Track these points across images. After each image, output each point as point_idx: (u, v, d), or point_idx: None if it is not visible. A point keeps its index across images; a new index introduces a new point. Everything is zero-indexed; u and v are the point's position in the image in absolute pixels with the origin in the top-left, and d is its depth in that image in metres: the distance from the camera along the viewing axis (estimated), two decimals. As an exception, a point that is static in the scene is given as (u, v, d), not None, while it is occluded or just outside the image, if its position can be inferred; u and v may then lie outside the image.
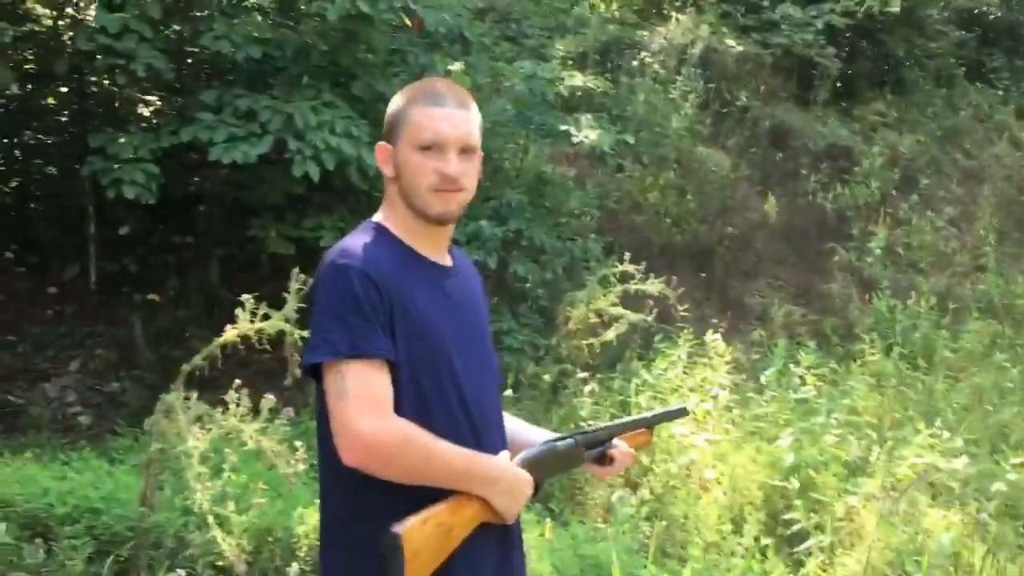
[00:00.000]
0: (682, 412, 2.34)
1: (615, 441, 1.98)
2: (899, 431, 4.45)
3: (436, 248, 1.82)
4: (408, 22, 5.74)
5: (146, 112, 6.53)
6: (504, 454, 1.77)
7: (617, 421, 2.09)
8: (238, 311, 2.92)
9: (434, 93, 1.77)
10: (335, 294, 1.66)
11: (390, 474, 1.63)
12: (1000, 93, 11.34)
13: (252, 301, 2.86)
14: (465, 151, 1.76)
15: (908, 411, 4.72)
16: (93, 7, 6.08)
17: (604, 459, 1.96)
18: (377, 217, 1.82)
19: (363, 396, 1.61)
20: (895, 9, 9.88)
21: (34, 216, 6.49)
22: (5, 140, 6.48)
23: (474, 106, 1.82)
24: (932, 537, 3.44)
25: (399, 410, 1.65)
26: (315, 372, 1.68)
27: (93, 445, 4.93)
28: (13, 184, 6.90)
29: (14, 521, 3.57)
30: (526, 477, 1.75)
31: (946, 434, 3.93)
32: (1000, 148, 10.46)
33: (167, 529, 3.33)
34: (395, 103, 1.81)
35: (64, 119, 6.59)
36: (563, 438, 1.90)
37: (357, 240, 1.74)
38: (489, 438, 1.77)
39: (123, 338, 5.91)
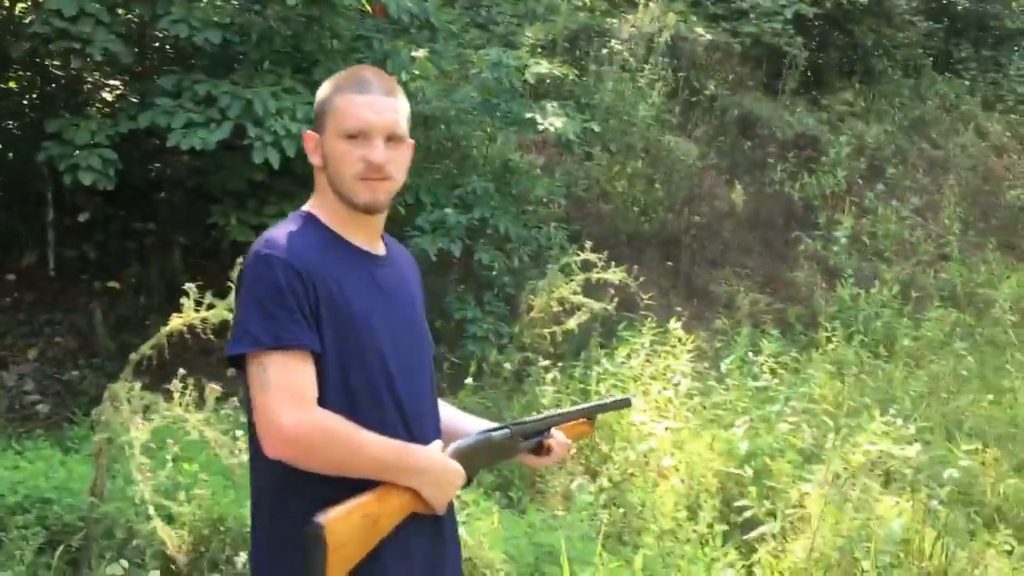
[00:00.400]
0: (624, 403, 2.35)
1: (553, 431, 1.97)
2: (855, 418, 4.49)
3: (367, 237, 1.81)
4: (368, 8, 5.68)
5: (109, 97, 6.44)
6: (436, 444, 1.76)
7: (555, 411, 2.09)
8: (183, 300, 2.88)
9: (359, 81, 1.76)
10: (258, 285, 1.64)
11: (313, 466, 1.62)
12: (967, 83, 11.46)
13: (195, 290, 2.82)
14: (392, 139, 1.75)
15: (865, 398, 4.76)
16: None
17: (541, 449, 1.96)
18: (307, 206, 1.81)
19: (284, 388, 1.60)
20: (863, -1, 9.94)
21: (-8, 202, 6.39)
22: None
23: (401, 94, 1.81)
24: (883, 523, 3.47)
25: (325, 401, 1.64)
26: (238, 363, 1.66)
27: (49, 434, 4.88)
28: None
29: (-37, 511, 3.52)
30: (456, 468, 1.75)
31: (900, 421, 3.96)
32: (966, 138, 10.57)
33: (117, 520, 3.30)
34: (322, 92, 1.79)
35: (24, 103, 6.49)
36: (497, 428, 1.89)
37: (283, 230, 1.72)
38: (421, 428, 1.76)
39: (83, 326, 5.84)
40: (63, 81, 6.10)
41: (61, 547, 3.39)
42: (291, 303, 1.62)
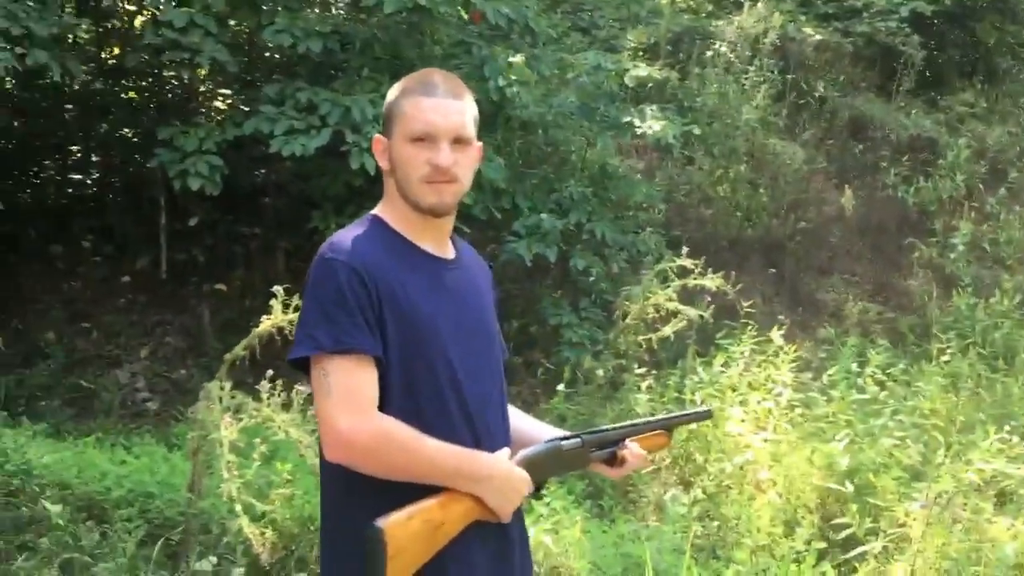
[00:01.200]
0: (704, 415, 2.27)
1: (628, 443, 1.91)
2: (968, 435, 4.25)
3: (435, 240, 1.79)
4: (465, 15, 5.71)
5: (221, 106, 6.67)
6: (504, 452, 1.72)
7: (632, 422, 2.01)
8: (272, 302, 2.93)
9: (426, 84, 1.75)
10: (320, 289, 1.64)
11: (373, 470, 1.61)
12: (1098, 82, 10.78)
13: (283, 292, 2.86)
14: (458, 141, 1.73)
15: (980, 414, 4.50)
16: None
17: (614, 460, 1.90)
18: (376, 210, 1.80)
19: (345, 393, 1.59)
20: (986, -5, 9.47)
21: (110, 207, 6.69)
22: (80, 133, 6.70)
23: (469, 96, 1.79)
24: (997, 546, 3.26)
25: (390, 405, 1.63)
26: (303, 366, 1.67)
27: (156, 430, 5.06)
28: (94, 175, 7.14)
29: (70, 503, 3.67)
30: (521, 475, 1.70)
31: (1016, 439, 3.72)
32: (1097, 140, 9.94)
33: (212, 516, 3.38)
34: (390, 95, 1.79)
35: (139, 113, 6.78)
36: (568, 437, 1.84)
37: (349, 233, 1.73)
38: (488, 433, 1.73)
39: (191, 327, 6.05)
40: (177, 91, 6.34)
41: (161, 540, 3.50)
42: (353, 307, 1.62)
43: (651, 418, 2.10)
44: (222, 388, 2.86)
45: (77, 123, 6.69)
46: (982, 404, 4.80)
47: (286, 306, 2.89)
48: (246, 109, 6.02)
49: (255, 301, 6.26)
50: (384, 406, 1.62)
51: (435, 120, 1.71)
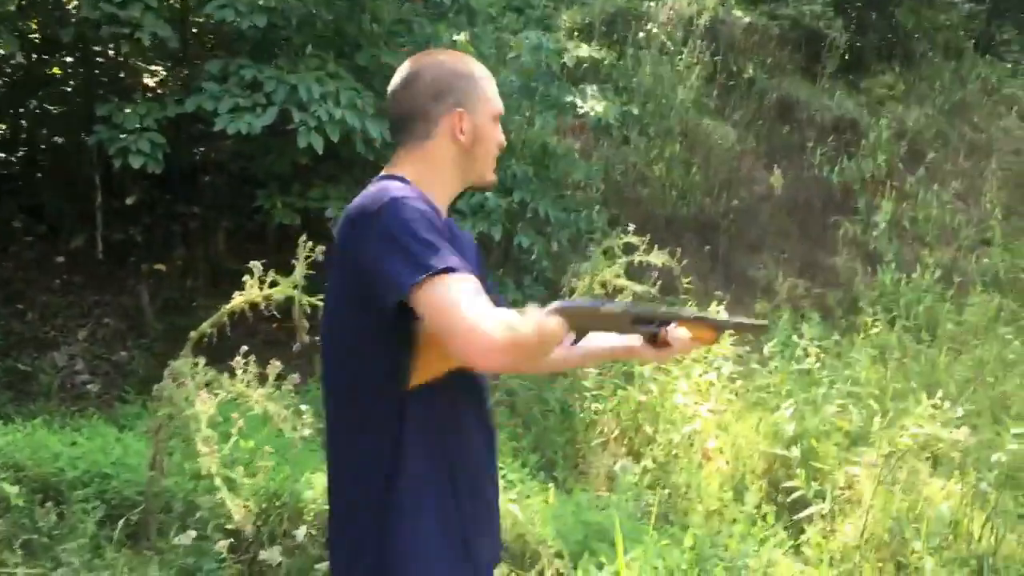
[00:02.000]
0: (762, 328, 2.22)
1: (674, 327, 1.87)
2: (901, 402, 4.48)
3: (447, 201, 1.87)
4: (414, -8, 5.71)
5: (151, 82, 6.53)
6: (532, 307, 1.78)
7: (682, 309, 1.99)
8: (246, 278, 2.94)
9: (481, 68, 1.87)
10: (410, 223, 1.63)
11: (517, 364, 1.74)
12: (1009, 66, 11.30)
13: (260, 267, 2.87)
14: None
15: (910, 383, 4.74)
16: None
17: (656, 340, 1.87)
18: (405, 175, 1.79)
19: (474, 296, 1.57)
20: (905, -20, 9.83)
21: (41, 185, 6.51)
22: (11, 110, 6.49)
23: None
24: (932, 506, 3.47)
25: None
26: (398, 307, 1.62)
27: (101, 412, 4.98)
28: (20, 154, 6.92)
29: (26, 485, 3.61)
30: (561, 324, 1.69)
31: (947, 405, 3.95)
32: (1008, 121, 10.43)
33: (176, 493, 3.38)
34: (463, 72, 1.82)
35: (69, 89, 6.59)
36: (611, 302, 1.86)
37: (403, 186, 1.73)
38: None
39: (130, 307, 5.95)
40: (112, 67, 6.18)
41: (122, 520, 3.48)
42: (444, 235, 1.65)
43: (701, 313, 2.01)
44: (195, 365, 2.86)
45: (4, 99, 6.48)
46: (910, 373, 5.05)
47: (261, 282, 2.90)
48: (178, 83, 5.93)
49: (196, 281, 6.22)
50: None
51: (501, 103, 1.87)
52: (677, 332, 1.87)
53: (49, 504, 3.53)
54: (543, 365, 2.11)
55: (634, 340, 1.92)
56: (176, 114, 5.27)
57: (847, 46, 9.96)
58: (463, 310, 1.55)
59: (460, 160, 1.80)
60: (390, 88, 1.85)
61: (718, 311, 5.25)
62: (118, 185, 6.12)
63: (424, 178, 1.79)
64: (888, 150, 9.15)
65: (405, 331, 1.66)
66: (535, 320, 1.62)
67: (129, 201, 6.07)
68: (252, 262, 2.89)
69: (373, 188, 1.74)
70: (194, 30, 6.30)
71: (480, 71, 1.86)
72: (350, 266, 1.70)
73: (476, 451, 1.82)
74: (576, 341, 1.81)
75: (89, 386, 5.53)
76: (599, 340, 2.00)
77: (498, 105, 1.85)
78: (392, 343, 1.68)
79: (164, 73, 6.54)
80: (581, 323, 1.77)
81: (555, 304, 1.73)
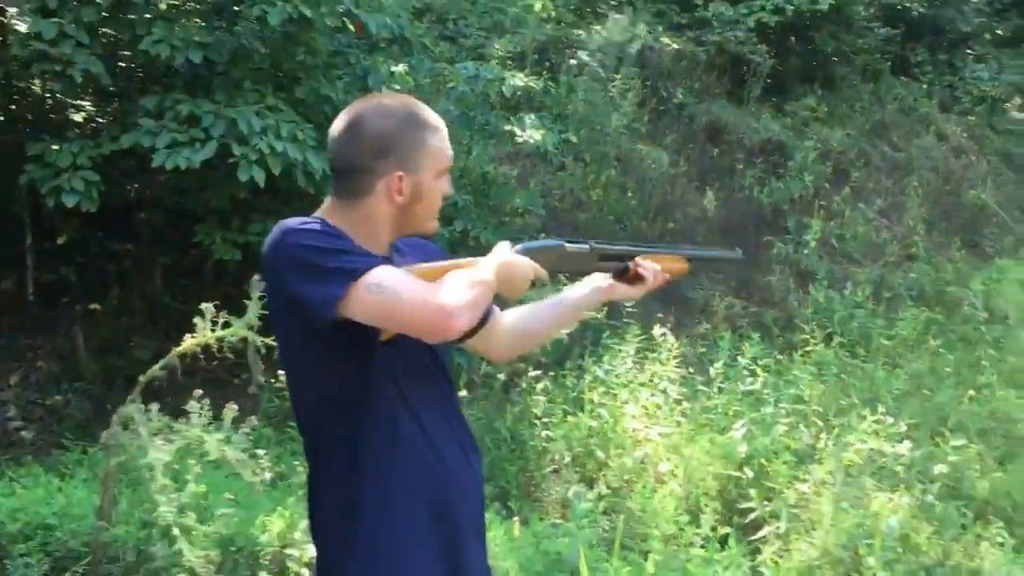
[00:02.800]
0: (736, 259, 2.25)
1: (642, 261, 1.93)
2: (843, 418, 4.59)
3: (387, 245, 1.84)
4: (351, 26, 5.71)
5: (77, 118, 6.38)
6: (504, 244, 1.84)
7: (651, 244, 2.02)
8: (197, 320, 2.89)
9: (433, 117, 1.81)
10: (310, 241, 1.66)
11: (476, 315, 1.68)
12: (924, 87, 11.74)
13: (212, 309, 2.83)
14: None
15: (851, 398, 4.87)
16: (21, 10, 5.95)
17: (627, 276, 1.92)
18: (330, 221, 1.77)
19: (410, 282, 1.64)
20: (823, 7, 10.15)
21: (-35, 227, 6.29)
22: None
23: None
24: (880, 520, 3.56)
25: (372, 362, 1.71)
26: (332, 325, 1.65)
27: (39, 460, 4.82)
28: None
29: (-36, 541, 3.48)
30: (524, 261, 1.79)
31: (889, 419, 4.06)
32: (926, 140, 10.83)
33: (127, 543, 3.28)
34: (408, 126, 1.77)
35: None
36: (576, 242, 1.88)
37: (300, 218, 1.75)
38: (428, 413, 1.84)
39: (64, 349, 5.78)
40: (40, 105, 6.04)
41: (67, 574, 3.37)
42: (346, 240, 1.69)
43: (670, 245, 2.09)
44: (147, 410, 2.79)
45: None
46: (850, 389, 5.18)
47: (213, 323, 2.85)
48: (110, 120, 5.81)
49: (133, 320, 6.07)
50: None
51: (451, 154, 1.82)
52: (648, 263, 1.95)
53: (-10, 560, 3.41)
54: (536, 339, 2.15)
55: (604, 279, 1.97)
56: (111, 151, 5.16)
57: (771, 70, 10.23)
58: (403, 298, 1.61)
59: (396, 217, 1.77)
60: (331, 132, 1.80)
61: (663, 333, 5.34)
62: (49, 224, 5.96)
63: (353, 231, 1.76)
64: (814, 170, 9.42)
65: (347, 342, 1.68)
66: (479, 270, 1.69)
67: (60, 240, 5.90)
68: (204, 304, 2.84)
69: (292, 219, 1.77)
70: (123, 65, 6.19)
71: (428, 121, 1.78)
72: (278, 303, 1.74)
73: (444, 475, 1.79)
74: (547, 277, 1.84)
75: (23, 432, 5.34)
76: (574, 291, 2.04)
77: (445, 159, 1.79)
78: (340, 359, 1.71)
79: (94, 110, 6.40)
80: (547, 263, 1.81)
81: (520, 245, 1.82)
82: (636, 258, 1.91)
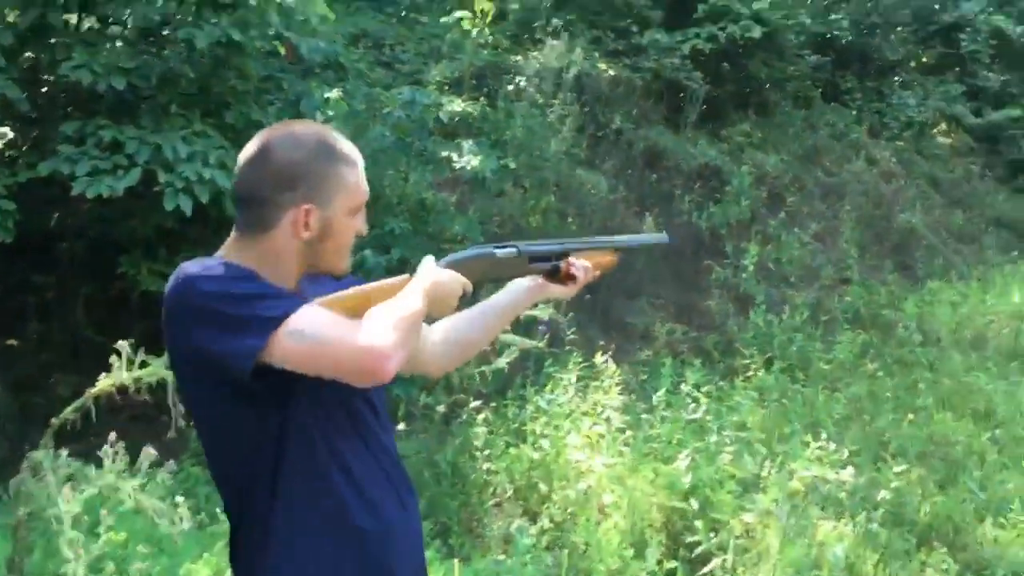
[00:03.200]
0: (661, 239, 2.24)
1: (572, 259, 1.89)
2: (786, 445, 4.56)
3: (295, 282, 1.71)
4: (282, 50, 5.58)
5: (-1, 144, 6.12)
6: (429, 258, 1.73)
7: (578, 239, 1.98)
8: (113, 358, 2.72)
9: (351, 151, 1.69)
10: (221, 286, 1.54)
11: (407, 353, 1.56)
12: (854, 113, 11.97)
13: (127, 347, 2.66)
14: None
15: (794, 424, 4.84)
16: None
17: (559, 276, 1.88)
18: (225, 258, 1.65)
19: (333, 325, 1.52)
20: (755, 35, 10.30)
21: None
22: None
23: None
24: (826, 549, 3.51)
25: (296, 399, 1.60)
26: (253, 370, 1.52)
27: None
28: None
29: None
30: (452, 275, 1.70)
31: (831, 446, 4.03)
32: (857, 165, 11.02)
33: (38, 598, 3.07)
34: (320, 158, 1.65)
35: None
36: (503, 246, 1.82)
37: (200, 260, 1.62)
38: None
39: (-20, 387, 5.49)
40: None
41: (-25, 632, 3.14)
42: (263, 283, 1.57)
43: (597, 238, 2.04)
44: (56, 456, 2.60)
45: None
46: (791, 414, 5.16)
47: (130, 362, 2.68)
48: (27, 146, 5.58)
49: (53, 355, 5.80)
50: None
51: (366, 190, 1.69)
52: (579, 263, 1.91)
53: None
54: (471, 348, 2.05)
55: (533, 279, 1.92)
56: (27, 179, 4.94)
57: (706, 96, 10.33)
58: (328, 343, 1.50)
59: (304, 252, 1.65)
60: (239, 159, 1.68)
61: (605, 360, 5.27)
62: (-37, 256, 5.67)
63: (258, 267, 1.63)
64: (750, 195, 9.50)
65: (265, 390, 1.56)
66: (406, 298, 1.59)
67: (-25, 273, 5.63)
68: (120, 342, 2.67)
69: (192, 263, 1.63)
70: (44, 89, 5.96)
71: (343, 153, 1.66)
72: (183, 355, 1.60)
73: (380, 534, 1.67)
74: (472, 293, 1.75)
75: (-66, 476, 5.04)
76: (504, 295, 1.97)
77: (359, 195, 1.67)
78: (255, 411, 1.59)
79: (10, 135, 6.14)
80: (477, 273, 1.74)
81: (448, 258, 1.74)
82: (565, 256, 1.89)
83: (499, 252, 1.78)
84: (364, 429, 1.71)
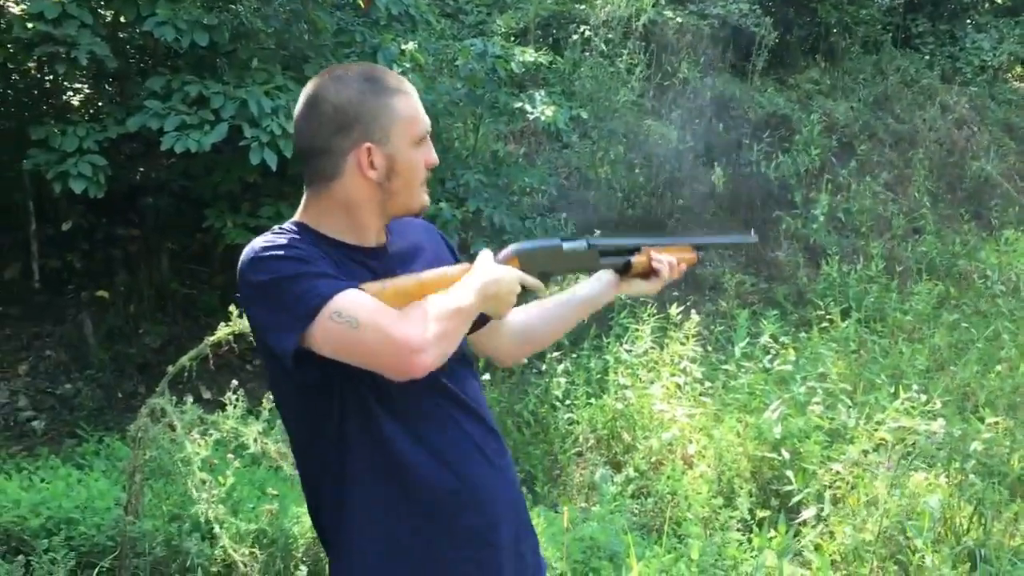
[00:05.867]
0: (747, 243, 2.16)
1: (655, 253, 1.82)
2: (870, 395, 4.54)
3: (377, 232, 1.69)
4: (360, 2, 5.58)
5: (74, 101, 6.24)
6: (486, 253, 1.68)
7: (655, 235, 1.96)
8: (233, 308, 2.79)
9: (397, 81, 1.64)
10: (275, 268, 1.53)
11: (448, 349, 1.54)
12: (926, 57, 11.64)
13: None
14: None
15: (881, 376, 4.81)
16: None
17: (634, 271, 1.81)
18: (307, 221, 1.65)
19: (370, 309, 1.49)
20: (826, -23, 10.04)
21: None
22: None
23: None
24: (920, 500, 3.51)
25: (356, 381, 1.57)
26: (294, 355, 1.52)
27: (52, 451, 4.74)
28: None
29: (-13, 537, 3.40)
30: (512, 275, 1.64)
31: (922, 396, 4.00)
32: (929, 112, 10.74)
33: (155, 537, 3.21)
34: (371, 94, 1.60)
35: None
36: (573, 238, 1.76)
37: (272, 236, 1.61)
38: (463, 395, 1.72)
39: (73, 337, 5.68)
40: (39, 86, 5.90)
41: (96, 569, 3.29)
42: (316, 259, 1.53)
43: (677, 237, 1.95)
44: (180, 403, 2.70)
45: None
46: (875, 366, 5.12)
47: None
48: (114, 102, 5.68)
49: (141, 306, 5.96)
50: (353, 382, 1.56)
51: (426, 118, 1.65)
52: (663, 256, 1.83)
53: (16, 557, 3.33)
54: (545, 341, 1.99)
55: (608, 275, 1.85)
56: (117, 135, 5.04)
57: (774, 43, 10.12)
58: (362, 331, 1.46)
59: (376, 197, 1.61)
60: (295, 115, 1.66)
61: (680, 311, 5.26)
62: (52, 210, 5.84)
63: (330, 223, 1.63)
64: (820, 144, 9.33)
65: (320, 370, 1.55)
66: (457, 293, 1.54)
67: (65, 227, 5.78)
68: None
69: (261, 237, 1.63)
70: (129, 47, 6.05)
71: (391, 85, 1.61)
72: (251, 323, 1.62)
73: (468, 495, 1.66)
74: (544, 282, 1.71)
75: (34, 423, 5.25)
76: (584, 287, 1.91)
77: (419, 126, 1.62)
78: (317, 387, 1.58)
79: (93, 93, 6.25)
80: (543, 265, 1.67)
81: (512, 247, 1.67)
82: (650, 251, 1.81)
83: (567, 245, 1.70)
84: (442, 393, 1.67)
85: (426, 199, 1.67)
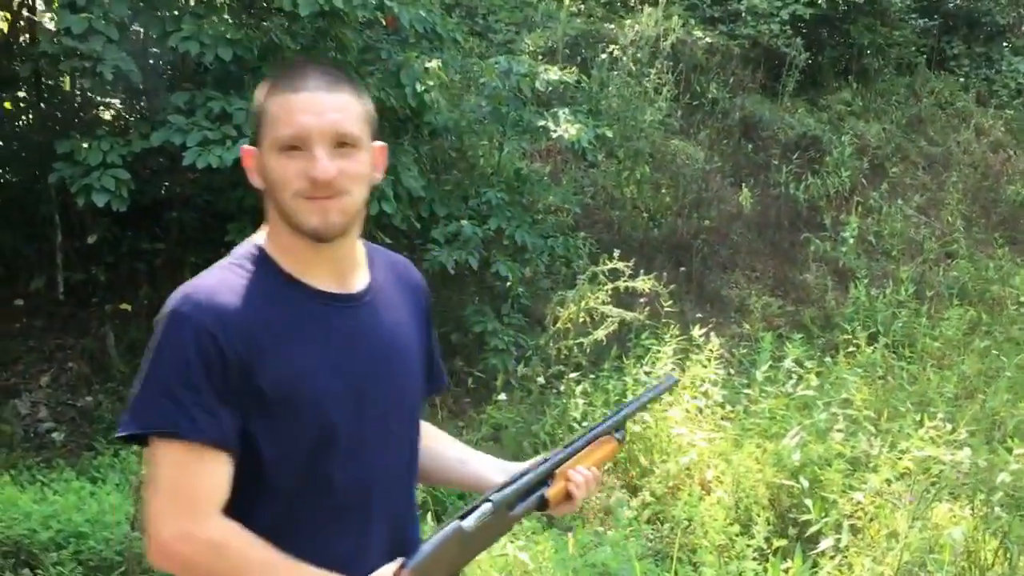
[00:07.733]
0: (670, 385, 1.97)
1: (571, 473, 1.57)
2: (894, 423, 4.43)
3: (333, 271, 1.49)
4: (383, 20, 5.59)
5: (106, 116, 6.31)
6: (387, 568, 1.38)
7: (560, 450, 1.62)
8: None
9: (295, 77, 1.43)
10: (163, 353, 1.39)
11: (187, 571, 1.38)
12: (961, 80, 11.49)
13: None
14: (341, 144, 1.41)
15: (907, 403, 4.70)
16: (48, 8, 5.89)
17: (547, 506, 1.57)
18: (258, 238, 1.51)
19: (174, 492, 1.35)
20: (859, -2, 9.95)
21: (-6, 226, 6.24)
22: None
23: (352, 88, 1.47)
24: (943, 532, 3.41)
25: (260, 492, 1.40)
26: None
27: (70, 463, 4.75)
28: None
29: (-3, 549, 3.41)
30: None
31: (947, 425, 3.90)
32: (963, 135, 10.59)
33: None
34: (259, 96, 1.47)
35: (19, 126, 6.35)
36: (471, 510, 1.43)
37: (212, 276, 1.47)
38: (387, 504, 1.50)
39: (95, 350, 5.71)
40: (70, 100, 5.97)
41: (102, 584, 3.28)
42: (199, 380, 1.35)
43: (579, 438, 1.67)
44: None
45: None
46: (899, 392, 5.01)
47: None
48: (139, 117, 5.73)
49: (163, 320, 5.99)
50: (252, 493, 1.39)
51: (307, 121, 1.38)
52: (577, 476, 1.58)
53: (23, 571, 3.33)
54: (431, 479, 1.76)
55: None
56: (141, 149, 5.08)
57: (805, 64, 10.04)
58: (155, 497, 1.36)
59: (276, 211, 1.45)
60: None
61: (703, 333, 5.19)
62: (78, 223, 5.89)
63: (270, 237, 1.49)
64: (851, 166, 9.22)
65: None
66: (266, 563, 1.34)
67: (90, 240, 5.83)
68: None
69: (216, 264, 1.51)
70: (152, 62, 6.11)
71: (286, 87, 1.42)
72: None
73: None
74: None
75: (53, 435, 5.28)
76: (484, 465, 1.69)
77: (283, 130, 1.39)
78: None
79: (122, 107, 6.32)
80: (451, 563, 1.40)
81: (410, 565, 1.35)
82: (566, 472, 1.57)
83: (468, 522, 1.39)
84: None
85: (316, 221, 1.42)
